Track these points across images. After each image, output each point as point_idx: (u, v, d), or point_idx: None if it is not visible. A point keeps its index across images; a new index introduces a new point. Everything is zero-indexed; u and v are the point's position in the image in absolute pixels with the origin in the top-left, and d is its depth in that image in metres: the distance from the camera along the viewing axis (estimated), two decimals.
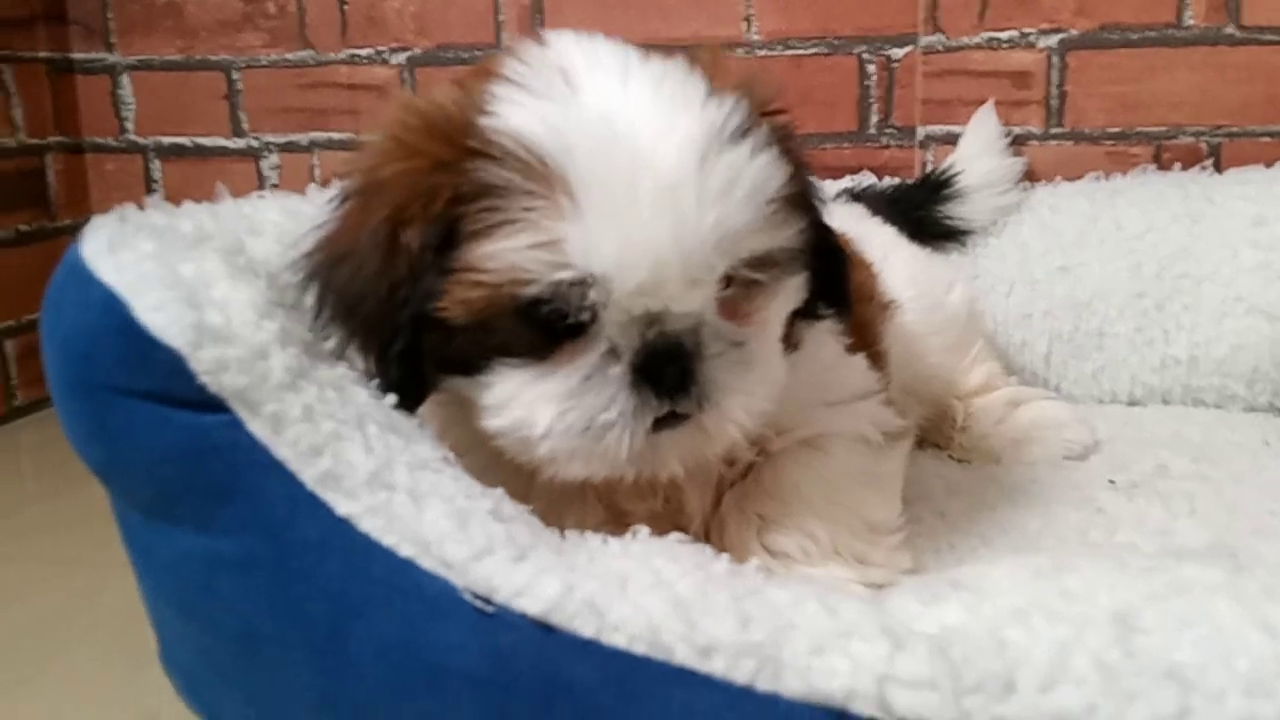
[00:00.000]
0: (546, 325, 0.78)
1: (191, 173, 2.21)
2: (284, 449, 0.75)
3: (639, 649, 0.68)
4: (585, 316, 0.77)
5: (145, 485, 0.78)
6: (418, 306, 0.79)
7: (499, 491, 0.80)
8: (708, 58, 0.85)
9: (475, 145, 0.77)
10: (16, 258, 2.05)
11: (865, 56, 1.97)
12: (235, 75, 2.18)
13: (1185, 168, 1.84)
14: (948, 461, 1.42)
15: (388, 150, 0.83)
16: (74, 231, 0.82)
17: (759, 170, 0.78)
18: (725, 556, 0.77)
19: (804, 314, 0.93)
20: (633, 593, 0.70)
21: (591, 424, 0.78)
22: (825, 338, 1.01)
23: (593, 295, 0.75)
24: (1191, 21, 1.85)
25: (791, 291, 0.88)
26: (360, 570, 0.74)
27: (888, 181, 1.88)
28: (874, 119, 1.99)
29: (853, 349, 1.05)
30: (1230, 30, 1.84)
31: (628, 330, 0.78)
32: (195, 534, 0.77)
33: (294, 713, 0.77)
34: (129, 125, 2.24)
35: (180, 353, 0.74)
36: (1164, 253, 1.69)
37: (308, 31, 2.14)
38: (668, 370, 0.78)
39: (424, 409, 0.88)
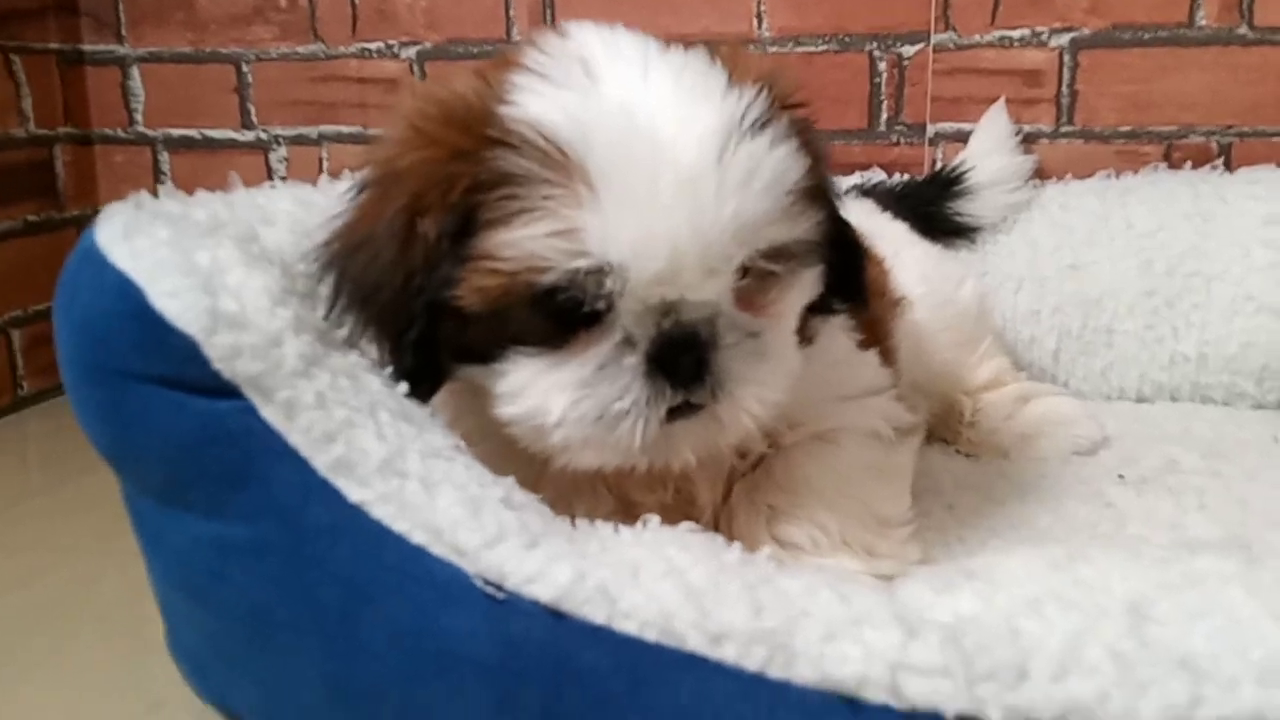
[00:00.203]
0: (562, 314, 0.78)
1: (200, 165, 2.21)
2: (297, 435, 0.76)
3: (650, 636, 0.68)
4: (601, 305, 0.77)
5: (157, 470, 0.78)
6: (433, 295, 0.79)
7: (510, 480, 0.80)
8: (728, 50, 0.85)
9: (494, 134, 0.77)
10: (24, 248, 2.05)
11: (876, 54, 1.97)
12: (245, 68, 2.18)
13: (1195, 167, 1.83)
14: (956, 456, 1.41)
15: (406, 139, 0.83)
16: (82, 223, 0.82)
17: (778, 162, 0.78)
18: (737, 546, 0.77)
19: (819, 308, 0.93)
20: (644, 580, 0.70)
21: (605, 413, 0.78)
22: (838, 333, 1.01)
23: (609, 284, 0.75)
24: (1204, 21, 1.84)
25: (807, 284, 0.88)
26: (372, 557, 0.74)
27: (897, 178, 1.87)
28: (884, 116, 1.99)
29: (864, 345, 1.05)
30: (1243, 30, 1.83)
31: (643, 320, 0.78)
32: (207, 520, 0.77)
33: (304, 699, 0.77)
34: (138, 117, 2.25)
35: (194, 339, 0.74)
36: (1174, 251, 1.69)
37: (318, 25, 2.15)
38: (683, 360, 0.78)
39: (437, 398, 0.88)
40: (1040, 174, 1.88)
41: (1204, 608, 0.66)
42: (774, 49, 1.98)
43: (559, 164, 0.75)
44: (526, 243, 0.74)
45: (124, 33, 2.22)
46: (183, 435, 0.76)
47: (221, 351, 0.74)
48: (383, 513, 0.74)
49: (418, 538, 0.73)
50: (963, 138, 1.91)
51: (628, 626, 0.69)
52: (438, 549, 0.73)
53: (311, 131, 2.18)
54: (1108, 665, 0.62)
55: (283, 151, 2.19)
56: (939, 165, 1.93)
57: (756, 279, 0.83)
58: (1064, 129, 1.92)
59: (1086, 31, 1.88)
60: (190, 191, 0.99)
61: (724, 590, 0.69)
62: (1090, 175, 1.86)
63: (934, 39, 1.93)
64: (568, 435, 0.80)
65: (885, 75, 1.97)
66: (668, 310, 0.78)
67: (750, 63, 0.85)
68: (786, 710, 0.65)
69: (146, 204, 0.87)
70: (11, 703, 1.02)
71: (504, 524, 0.74)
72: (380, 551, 0.74)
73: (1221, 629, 0.64)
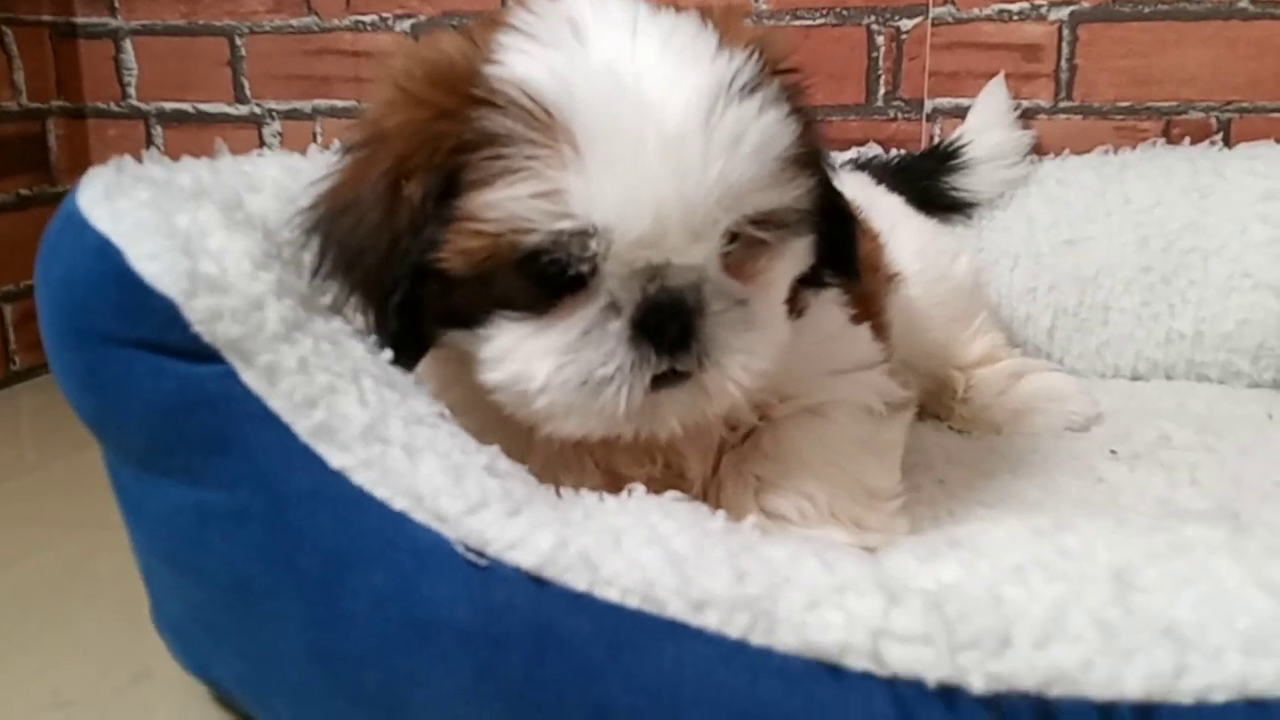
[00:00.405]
0: (546, 278, 0.77)
1: (193, 139, 2.19)
2: (278, 400, 0.75)
3: (632, 602, 0.68)
4: (585, 269, 0.76)
5: (137, 436, 0.78)
6: (418, 258, 0.79)
7: (494, 448, 0.80)
8: (720, 14, 0.84)
9: (480, 94, 0.77)
10: (16, 222, 2.05)
11: (874, 27, 1.95)
12: (239, 41, 2.17)
13: (1194, 143, 1.82)
14: (948, 432, 1.41)
15: (392, 101, 0.82)
16: None
17: (767, 126, 0.77)
18: (721, 514, 0.77)
19: (810, 280, 0.92)
20: (627, 547, 0.70)
21: (589, 379, 0.78)
22: (830, 307, 1.00)
23: (593, 246, 0.74)
24: None
25: (798, 253, 0.87)
26: (353, 523, 0.73)
27: (894, 154, 1.86)
28: (882, 91, 1.97)
29: (856, 320, 1.04)
30: (1244, 4, 1.82)
31: (628, 284, 0.77)
32: (187, 486, 0.77)
33: (285, 667, 0.77)
34: (131, 90, 2.23)
35: (174, 301, 0.74)
36: (1172, 227, 1.68)
37: None
38: (668, 325, 0.78)
39: (422, 367, 0.88)
40: (1038, 149, 1.86)
41: (1190, 576, 0.65)
42: (771, 21, 1.96)
43: (544, 124, 0.74)
44: (510, 204, 0.74)
45: (116, 5, 2.20)
46: (163, 400, 0.75)
47: (202, 314, 0.74)
48: (364, 479, 0.74)
49: (399, 504, 0.73)
50: (961, 113, 1.89)
51: (609, 593, 0.68)
52: (419, 515, 0.72)
53: (305, 105, 2.17)
54: (1092, 633, 0.62)
55: (276, 125, 2.18)
56: (936, 141, 1.91)
57: (745, 246, 0.82)
58: (1062, 104, 1.90)
59: (1086, 5, 1.86)
60: None
61: (707, 557, 0.69)
62: (1089, 151, 1.84)
63: (932, 12, 1.92)
64: (552, 401, 0.79)
65: (883, 49, 1.95)
66: (653, 275, 0.77)
67: (742, 27, 0.84)
68: (768, 677, 0.65)
69: (129, 168, 0.86)
70: (3, 674, 1.02)
71: (486, 491, 0.74)
72: (362, 518, 0.73)
73: (1207, 597, 0.64)
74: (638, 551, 0.70)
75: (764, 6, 1.96)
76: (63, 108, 2.20)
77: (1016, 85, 1.88)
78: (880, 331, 1.13)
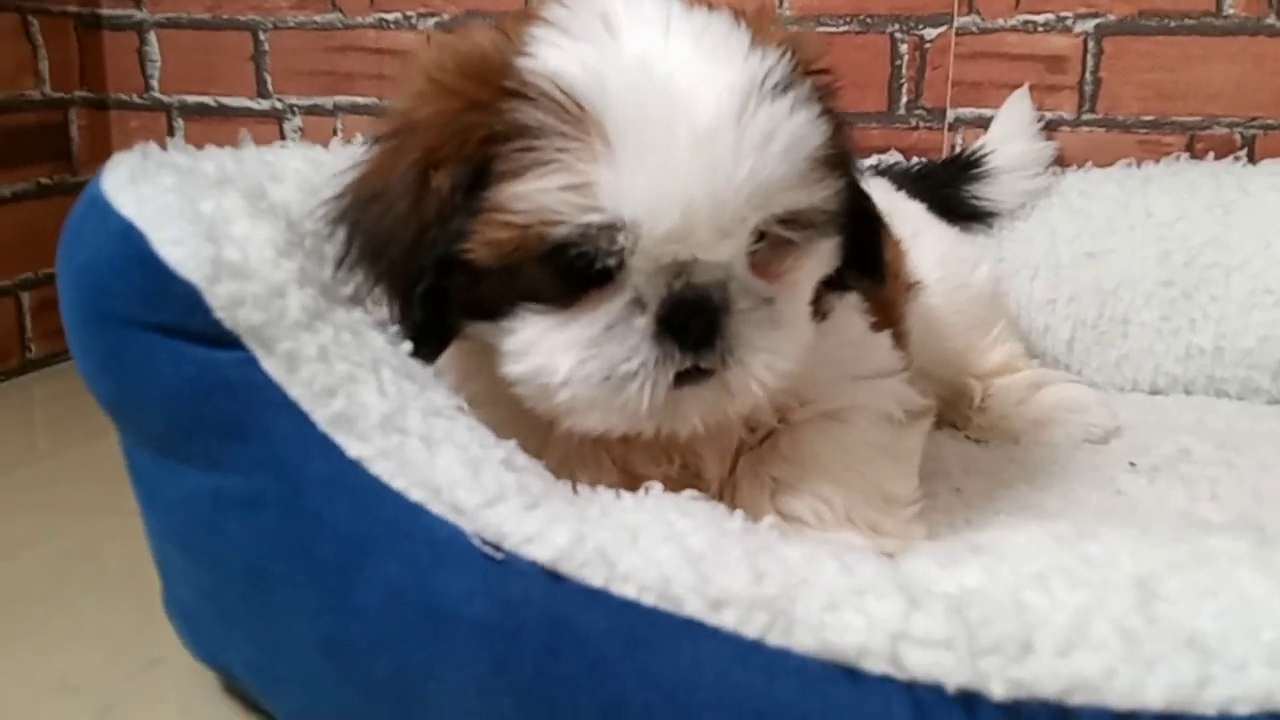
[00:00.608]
0: (573, 271, 0.77)
1: (214, 132, 2.19)
2: (297, 388, 0.75)
3: (648, 600, 0.67)
4: (612, 263, 0.76)
5: (156, 420, 0.78)
6: (445, 248, 0.78)
7: (512, 443, 0.80)
8: (752, 14, 0.84)
9: (511, 86, 0.76)
10: (37, 211, 2.05)
11: (898, 36, 1.94)
12: (262, 36, 2.17)
13: (1218, 158, 1.81)
14: (965, 441, 1.40)
15: (423, 91, 0.82)
16: None
17: (798, 126, 0.77)
18: (739, 514, 0.76)
19: (835, 284, 0.91)
20: (644, 544, 0.70)
21: (612, 374, 0.77)
22: (852, 313, 1.00)
23: (621, 240, 0.74)
24: (1231, 10, 1.81)
25: (824, 254, 0.86)
26: (370, 513, 0.73)
27: (915, 161, 1.85)
28: (904, 100, 1.97)
29: (875, 328, 1.04)
30: (1271, 20, 1.80)
31: (654, 280, 0.77)
32: (205, 472, 0.77)
33: (297, 655, 0.77)
34: (154, 83, 2.24)
35: (197, 287, 0.74)
36: (1194, 242, 1.67)
37: None
38: (693, 322, 0.77)
39: (444, 359, 0.88)
40: (1061, 161, 1.85)
41: (1214, 586, 0.65)
42: (794, 28, 1.95)
43: (575, 117, 0.74)
44: (539, 195, 0.74)
45: None
46: (182, 385, 0.75)
47: (224, 300, 0.74)
48: (382, 469, 0.74)
49: (416, 495, 0.73)
50: (983, 123, 1.89)
51: (626, 590, 0.68)
52: (436, 507, 0.72)
53: (327, 101, 2.17)
54: (1114, 641, 0.61)
55: (297, 121, 2.18)
56: (958, 151, 1.90)
57: (772, 246, 0.82)
58: (1086, 117, 1.89)
59: (1112, 18, 1.86)
60: None
61: (724, 555, 0.69)
62: (1111, 164, 1.83)
63: (957, 21, 1.91)
64: (574, 395, 0.78)
65: (906, 58, 1.95)
66: (680, 271, 0.77)
67: (774, 27, 0.84)
68: (785, 678, 0.65)
69: (154, 154, 0.86)
70: (13, 660, 1.02)
71: (504, 484, 0.73)
72: (378, 508, 0.73)
73: (1231, 608, 0.63)
74: (655, 548, 0.69)
75: (788, 13, 1.96)
76: (85, 98, 2.20)
77: (1040, 96, 1.87)
78: (899, 340, 1.12)
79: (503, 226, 0.75)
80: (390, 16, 2.12)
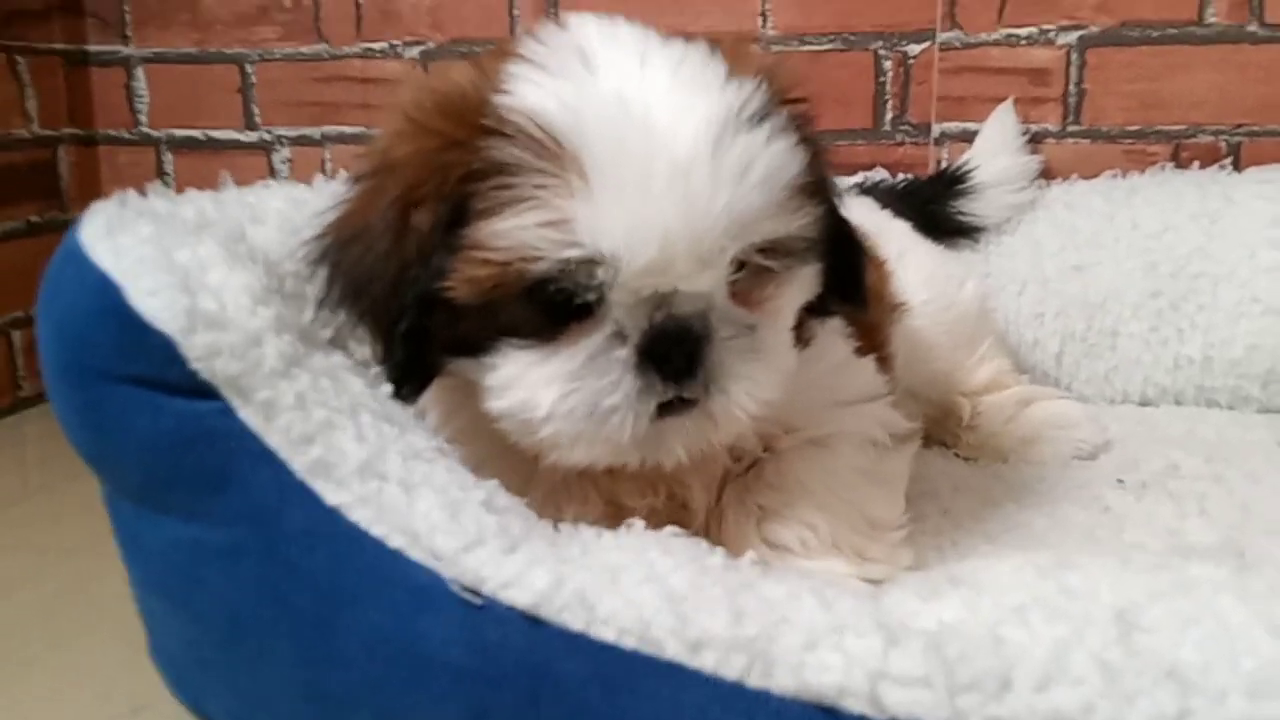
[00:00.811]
0: (554, 306, 0.77)
1: (203, 165, 2.20)
2: (275, 437, 0.75)
3: (628, 643, 0.67)
4: (592, 297, 0.76)
5: (135, 472, 0.77)
6: (426, 286, 0.78)
7: (493, 483, 0.80)
8: (729, 44, 0.84)
9: (489, 123, 0.77)
10: (27, 249, 2.06)
11: (881, 52, 1.95)
12: (249, 68, 2.18)
13: (1204, 167, 1.81)
14: (954, 459, 1.40)
15: (401, 131, 0.82)
16: None
17: (775, 155, 0.77)
18: (720, 551, 0.76)
19: (817, 309, 0.91)
20: (624, 585, 0.69)
21: (595, 408, 0.77)
22: (835, 337, 1.00)
23: (600, 275, 0.74)
24: (1213, 19, 1.82)
25: (805, 281, 0.86)
26: (348, 561, 0.73)
27: (901, 177, 1.86)
28: (889, 116, 1.97)
29: (860, 351, 1.04)
30: (1253, 28, 1.81)
31: (635, 312, 0.77)
32: (184, 523, 0.77)
33: (279, 705, 0.76)
34: (142, 118, 2.24)
35: (173, 338, 0.74)
36: (1180, 252, 1.67)
37: (322, 25, 2.14)
38: (675, 353, 0.77)
39: (427, 397, 0.88)
40: (1046, 174, 1.86)
41: (1195, 615, 0.64)
42: (778, 47, 1.96)
43: (552, 153, 0.74)
44: (518, 232, 0.74)
45: (129, 33, 2.22)
46: (160, 436, 0.75)
47: (200, 351, 0.74)
48: (361, 516, 0.73)
49: (395, 541, 0.72)
50: (968, 138, 1.89)
51: (605, 633, 0.67)
52: (415, 553, 0.72)
53: (315, 132, 2.18)
54: (1094, 675, 0.61)
55: (286, 152, 2.19)
56: (944, 165, 1.91)
57: (752, 274, 0.82)
58: (1071, 128, 1.90)
59: (1094, 29, 1.86)
60: None
61: (705, 595, 0.68)
62: (1097, 175, 1.84)
63: (940, 37, 1.92)
64: (557, 430, 0.78)
65: (890, 74, 1.95)
66: (660, 303, 0.77)
67: (751, 56, 0.84)
68: None
69: (132, 202, 0.86)
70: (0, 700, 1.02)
71: (483, 527, 0.73)
72: (357, 555, 0.73)
73: (1212, 638, 0.63)
74: (635, 590, 0.69)
75: (771, 32, 1.97)
76: (74, 135, 2.21)
77: (1024, 109, 1.88)
78: (884, 364, 1.12)
79: (482, 264, 0.76)
80: (376, 46, 2.12)
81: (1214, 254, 1.65)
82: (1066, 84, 1.89)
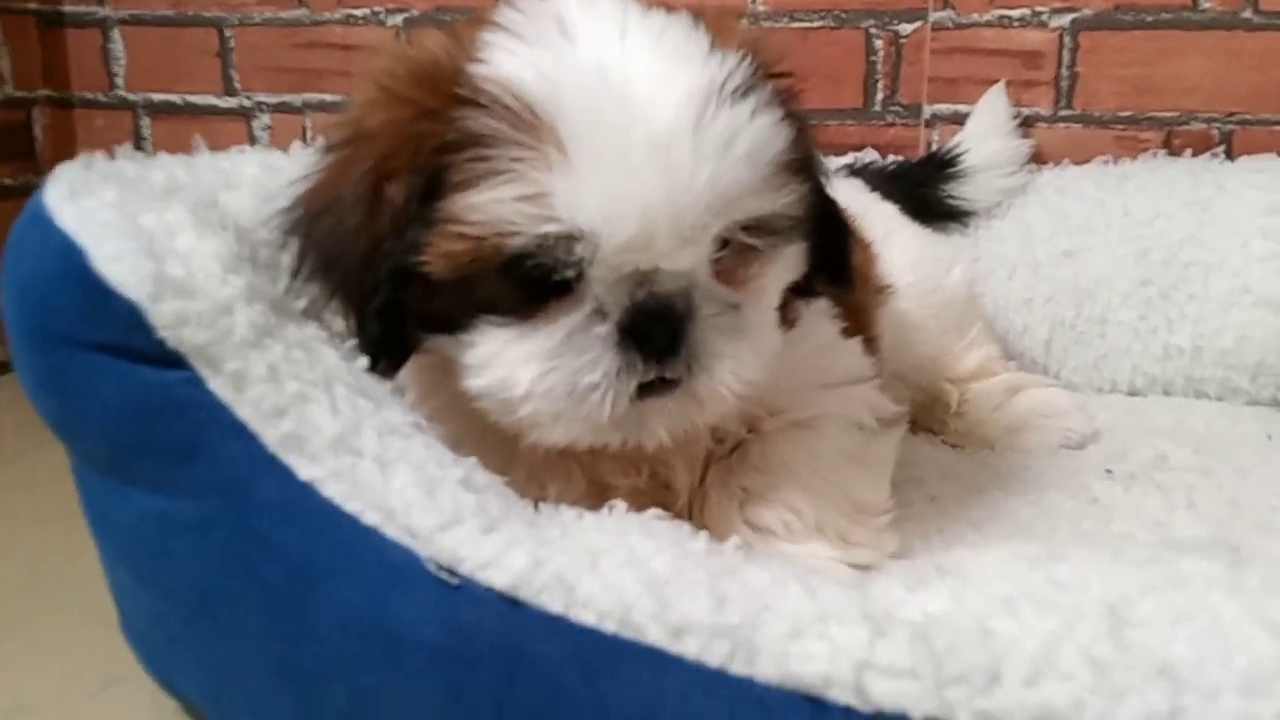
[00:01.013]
0: (531, 282, 0.75)
1: (181, 130, 2.16)
2: (246, 409, 0.73)
3: (608, 627, 0.65)
4: (571, 274, 0.74)
5: (101, 442, 0.75)
6: (400, 260, 0.76)
7: (471, 461, 0.78)
8: (713, 16, 0.82)
9: (464, 93, 0.74)
10: (1, 212, 2.02)
11: (873, 31, 1.93)
12: (228, 32, 2.14)
13: (1196, 154, 1.80)
14: (941, 446, 1.38)
15: (374, 100, 0.80)
16: None
17: (759, 131, 0.75)
18: (704, 534, 0.74)
19: (802, 290, 0.90)
20: (604, 568, 0.68)
21: (574, 386, 0.75)
22: (821, 319, 0.98)
23: (579, 250, 0.72)
24: (1208, 5, 1.80)
25: (790, 260, 0.85)
26: (321, 537, 0.71)
27: (890, 159, 1.84)
28: (880, 96, 1.95)
29: (846, 334, 1.02)
30: (1247, 14, 1.80)
31: (615, 289, 0.75)
32: (152, 494, 0.75)
33: (249, 681, 0.75)
34: (119, 81, 2.20)
35: (139, 305, 0.71)
36: (1172, 240, 1.66)
37: None
38: (656, 331, 0.75)
39: (405, 374, 0.86)
40: (1037, 158, 1.84)
41: (1187, 610, 0.63)
42: (768, 23, 1.94)
43: (529, 125, 0.72)
44: (494, 206, 0.72)
45: None
46: (126, 405, 0.73)
47: (167, 319, 0.71)
48: (334, 491, 0.71)
49: (370, 518, 0.71)
50: (959, 120, 1.87)
51: (585, 616, 0.66)
52: (390, 531, 0.70)
53: (295, 99, 2.14)
54: (1084, 670, 0.60)
55: (265, 119, 2.15)
56: (934, 147, 1.89)
57: (736, 253, 0.80)
58: (1063, 112, 1.88)
59: (1088, 12, 1.84)
60: None
61: (687, 580, 0.67)
62: (1088, 161, 1.82)
63: (932, 17, 1.89)
64: (536, 409, 0.77)
65: (881, 53, 1.93)
66: (642, 280, 0.75)
67: (735, 29, 0.82)
68: (748, 708, 0.63)
69: (98, 164, 0.84)
70: None
71: (461, 506, 0.71)
72: (331, 532, 0.71)
73: (1204, 634, 0.61)
74: (615, 573, 0.67)
75: (761, 8, 1.94)
76: (49, 97, 2.17)
77: (1016, 92, 1.86)
78: (870, 346, 1.10)
79: (458, 238, 0.73)
80: (358, 12, 2.09)
81: (1206, 242, 1.64)
82: (1059, 67, 1.87)
